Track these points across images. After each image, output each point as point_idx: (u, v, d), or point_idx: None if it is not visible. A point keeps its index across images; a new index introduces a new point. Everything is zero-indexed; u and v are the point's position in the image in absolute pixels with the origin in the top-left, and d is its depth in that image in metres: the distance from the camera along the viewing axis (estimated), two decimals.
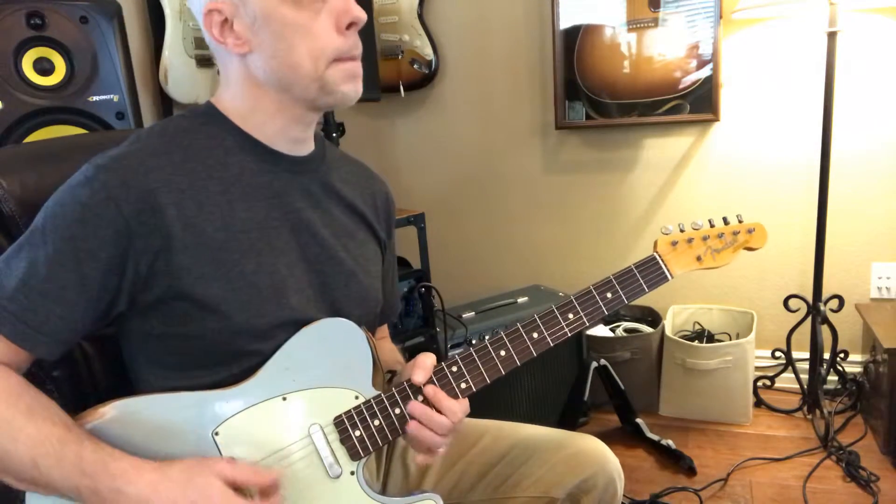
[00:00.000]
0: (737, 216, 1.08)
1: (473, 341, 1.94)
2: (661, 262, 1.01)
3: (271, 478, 0.82)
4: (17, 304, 0.79)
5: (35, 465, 0.76)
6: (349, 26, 0.86)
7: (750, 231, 1.06)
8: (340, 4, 0.85)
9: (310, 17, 0.84)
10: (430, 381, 0.92)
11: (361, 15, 0.86)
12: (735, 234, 1.05)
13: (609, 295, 0.98)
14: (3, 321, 0.79)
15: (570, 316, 0.96)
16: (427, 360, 0.93)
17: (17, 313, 0.79)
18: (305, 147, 0.96)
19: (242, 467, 0.81)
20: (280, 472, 0.84)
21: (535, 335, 0.95)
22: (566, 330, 0.96)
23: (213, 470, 0.78)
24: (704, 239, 1.04)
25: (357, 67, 0.89)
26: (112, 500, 0.75)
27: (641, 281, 0.99)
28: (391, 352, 1.13)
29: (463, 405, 0.92)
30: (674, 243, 1.02)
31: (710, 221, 1.05)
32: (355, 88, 0.89)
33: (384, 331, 1.19)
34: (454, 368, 0.93)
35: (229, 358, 0.87)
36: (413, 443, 0.94)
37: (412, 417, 0.90)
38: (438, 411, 0.90)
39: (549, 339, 0.95)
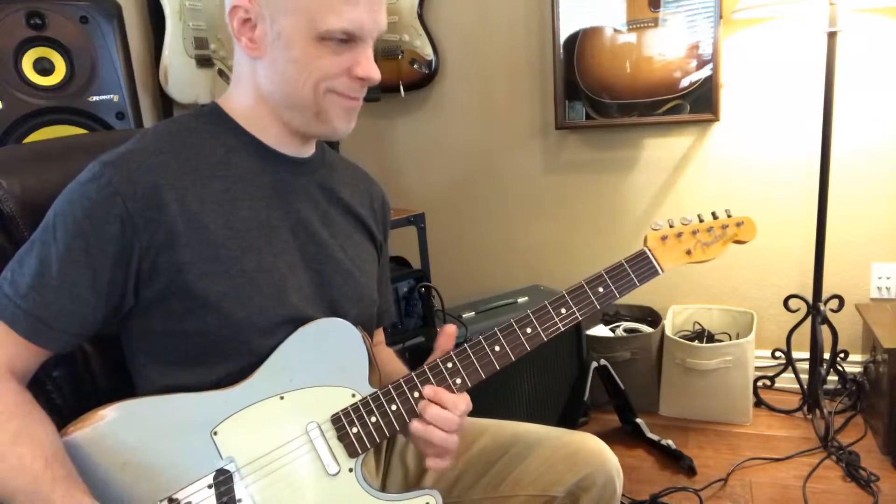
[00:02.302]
0: (725, 210, 1.09)
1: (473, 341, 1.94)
2: (651, 256, 1.02)
3: None
4: (30, 301, 0.81)
5: (12, 495, 0.76)
6: (359, 78, 0.89)
7: (739, 224, 1.08)
8: (361, 58, 0.88)
9: (329, 55, 0.86)
10: (427, 381, 0.92)
11: (375, 76, 0.89)
12: (724, 227, 1.07)
13: (600, 289, 0.99)
14: (16, 319, 0.81)
15: (563, 311, 0.97)
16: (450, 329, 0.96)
17: (30, 310, 0.81)
18: (306, 150, 0.99)
19: None
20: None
21: (529, 330, 0.96)
22: (559, 325, 0.96)
23: None
24: (694, 233, 1.05)
25: (355, 105, 0.92)
26: None
27: (632, 275, 1.00)
28: (389, 357, 1.13)
29: (464, 399, 0.92)
30: (663, 238, 1.04)
31: (699, 216, 1.07)
32: (347, 126, 0.93)
33: (380, 335, 1.19)
34: (449, 364, 0.93)
35: (229, 354, 0.87)
36: (423, 446, 0.93)
37: (414, 415, 0.91)
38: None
39: (542, 334, 0.96)
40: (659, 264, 1.02)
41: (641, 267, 1.01)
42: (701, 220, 1.07)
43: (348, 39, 0.86)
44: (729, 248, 1.08)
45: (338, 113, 0.90)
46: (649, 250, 1.03)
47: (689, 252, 1.05)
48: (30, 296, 0.81)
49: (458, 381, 0.93)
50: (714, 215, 1.08)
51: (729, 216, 1.08)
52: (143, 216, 0.82)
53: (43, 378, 0.93)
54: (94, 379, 0.99)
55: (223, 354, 0.87)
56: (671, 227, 1.05)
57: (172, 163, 0.86)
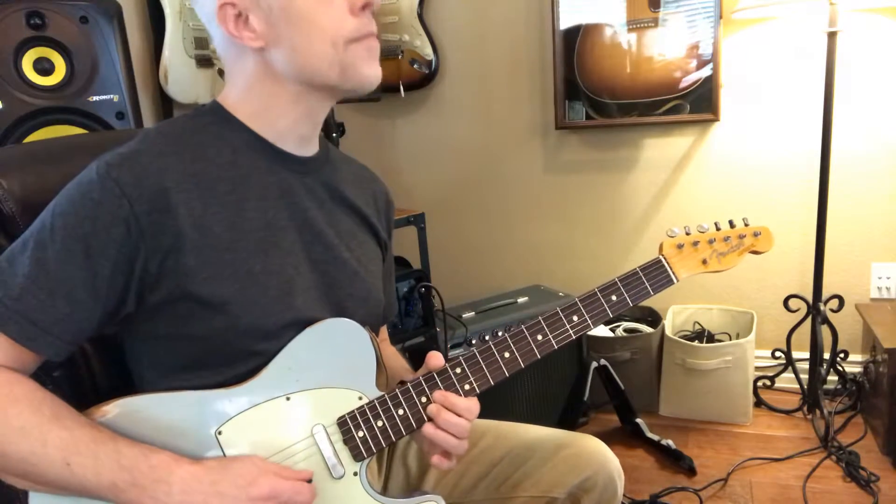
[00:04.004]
0: (743, 219, 1.07)
1: (473, 341, 1.94)
2: (666, 265, 1.00)
3: (305, 475, 0.84)
4: (23, 304, 0.78)
5: (67, 466, 0.76)
6: (363, 7, 0.87)
7: (756, 234, 1.05)
8: None
9: (325, 3, 0.84)
10: (435, 386, 0.92)
11: None
12: (741, 237, 1.05)
13: (614, 298, 0.97)
14: (8, 322, 0.78)
15: (575, 318, 0.96)
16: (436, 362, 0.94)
17: (25, 313, 0.78)
18: (311, 147, 0.97)
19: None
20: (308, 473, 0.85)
21: (540, 337, 0.95)
22: (570, 332, 0.95)
23: (249, 457, 0.81)
24: (710, 242, 1.03)
25: (375, 45, 0.90)
26: (153, 489, 0.76)
27: (647, 284, 0.99)
28: (395, 356, 1.12)
29: (476, 404, 0.92)
30: (679, 246, 1.02)
31: (716, 224, 1.05)
32: (375, 72, 0.91)
33: (384, 332, 1.19)
34: (458, 370, 0.92)
35: (234, 358, 0.86)
36: (430, 447, 0.93)
37: (430, 420, 0.90)
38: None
39: (553, 342, 0.95)
40: (674, 273, 1.00)
41: (656, 275, 0.99)
42: (718, 228, 1.04)
43: None
44: (744, 259, 1.06)
45: (361, 60, 0.88)
46: (665, 258, 1.01)
47: (704, 262, 1.03)
48: (23, 298, 0.78)
49: (467, 386, 0.92)
50: (731, 224, 1.05)
51: (746, 224, 1.06)
52: (149, 219, 0.80)
53: (43, 378, 0.92)
54: (94, 379, 0.98)
55: (228, 357, 0.86)
56: (687, 234, 1.03)
57: (178, 164, 0.84)
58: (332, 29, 0.85)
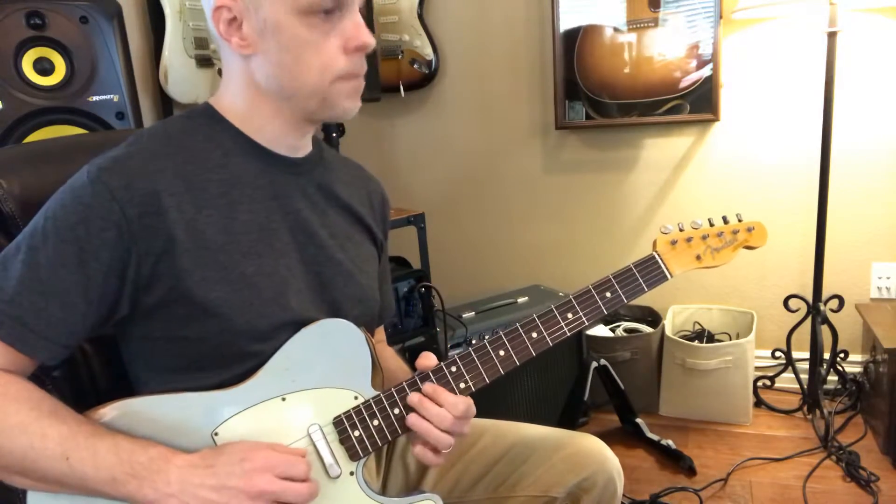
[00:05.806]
0: (736, 215, 1.08)
1: (473, 341, 1.94)
2: (660, 261, 1.01)
3: (300, 451, 0.85)
4: (17, 307, 0.79)
5: (66, 460, 0.76)
6: (357, 49, 0.87)
7: (749, 230, 1.06)
8: (351, 29, 0.86)
9: (320, 35, 0.85)
10: (428, 380, 0.92)
11: (370, 41, 0.88)
12: (735, 232, 1.05)
13: (608, 294, 0.97)
14: (1, 326, 0.78)
15: (570, 316, 0.96)
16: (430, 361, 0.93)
17: (18, 317, 0.78)
18: (303, 149, 0.97)
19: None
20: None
21: (535, 335, 0.95)
22: (565, 330, 0.95)
23: (241, 440, 0.82)
24: (704, 238, 1.04)
25: (360, 84, 0.91)
26: (152, 480, 0.77)
27: (641, 280, 0.99)
28: (393, 358, 1.12)
29: (465, 401, 0.91)
30: (673, 242, 1.02)
31: (709, 221, 1.05)
32: (354, 105, 0.91)
33: (381, 333, 1.18)
34: (453, 368, 0.92)
35: (230, 359, 0.87)
36: (415, 438, 0.92)
37: (411, 409, 0.90)
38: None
39: (548, 339, 0.95)
40: (668, 269, 1.00)
41: (650, 272, 1.00)
42: (711, 225, 1.05)
43: (334, 8, 0.84)
44: (739, 254, 1.06)
45: (344, 96, 0.89)
46: (658, 255, 1.01)
47: (698, 257, 1.03)
48: (16, 301, 0.78)
49: (462, 385, 0.92)
50: (724, 219, 1.06)
51: (739, 220, 1.07)
52: (140, 223, 0.80)
53: (43, 378, 0.92)
54: (93, 379, 0.98)
55: (224, 359, 0.86)
56: (681, 230, 1.03)
57: (169, 167, 0.84)
58: (320, 62, 0.86)
